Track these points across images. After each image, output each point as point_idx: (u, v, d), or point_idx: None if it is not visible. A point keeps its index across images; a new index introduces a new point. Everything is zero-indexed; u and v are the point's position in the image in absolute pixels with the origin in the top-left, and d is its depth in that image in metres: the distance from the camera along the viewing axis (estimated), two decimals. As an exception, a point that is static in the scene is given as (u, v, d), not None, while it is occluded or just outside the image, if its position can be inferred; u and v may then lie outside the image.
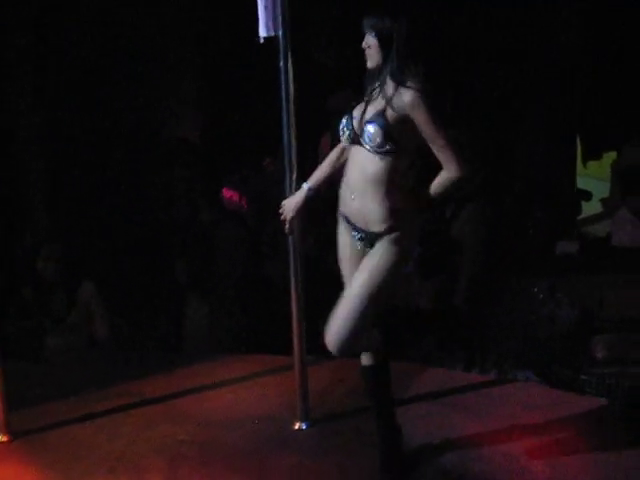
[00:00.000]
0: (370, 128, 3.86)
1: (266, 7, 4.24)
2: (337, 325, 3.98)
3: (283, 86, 4.30)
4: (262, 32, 4.27)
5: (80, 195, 7.29)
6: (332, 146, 6.43)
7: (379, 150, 3.85)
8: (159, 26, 7.64)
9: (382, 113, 3.85)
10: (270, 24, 4.22)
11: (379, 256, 3.95)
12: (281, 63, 4.28)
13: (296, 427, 4.64)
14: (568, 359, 5.57)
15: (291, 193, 4.33)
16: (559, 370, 5.46)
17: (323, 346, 4.10)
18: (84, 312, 6.22)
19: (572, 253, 6.78)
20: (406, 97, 3.80)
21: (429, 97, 3.80)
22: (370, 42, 3.89)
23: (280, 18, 4.23)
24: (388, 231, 3.92)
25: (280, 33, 4.25)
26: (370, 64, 3.94)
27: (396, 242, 3.93)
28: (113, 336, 6.32)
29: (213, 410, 4.92)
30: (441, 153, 3.83)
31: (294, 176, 4.37)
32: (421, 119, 3.80)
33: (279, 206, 4.28)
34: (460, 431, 4.55)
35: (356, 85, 6.79)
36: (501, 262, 6.31)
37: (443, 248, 6.23)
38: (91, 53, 7.42)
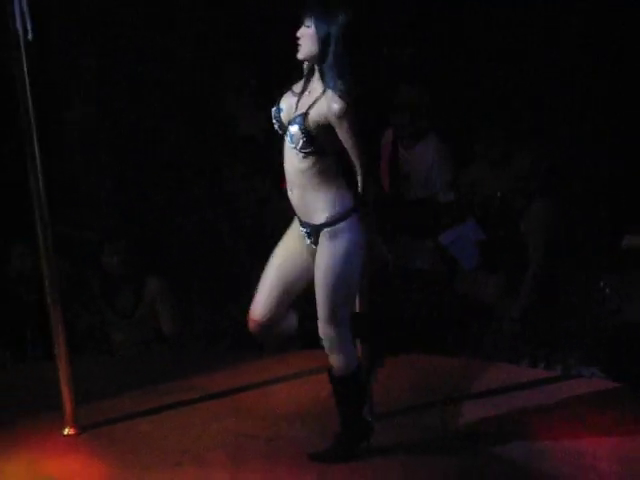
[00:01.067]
0: (292, 129, 3.87)
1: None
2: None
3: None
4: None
5: (145, 191, 7.36)
6: (394, 141, 6.53)
7: (301, 151, 3.87)
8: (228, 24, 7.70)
9: (305, 115, 3.85)
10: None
11: (327, 255, 3.96)
12: None
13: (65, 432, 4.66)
14: (634, 355, 5.51)
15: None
16: (625, 366, 5.40)
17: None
18: (150, 308, 6.28)
19: (638, 247, 6.69)
20: (334, 105, 3.79)
21: (355, 108, 3.79)
22: (304, 32, 3.84)
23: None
24: (330, 221, 3.93)
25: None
26: (300, 55, 3.89)
27: (340, 234, 3.94)
28: (179, 331, 6.37)
29: (277, 405, 4.93)
30: (356, 161, 3.87)
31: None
32: (344, 129, 3.81)
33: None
34: (525, 427, 4.52)
35: (424, 79, 6.80)
36: (568, 257, 6.25)
37: (510, 242, 6.19)
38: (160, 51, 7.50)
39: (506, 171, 6.46)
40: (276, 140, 4.08)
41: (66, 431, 4.71)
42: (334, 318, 4.06)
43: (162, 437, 4.45)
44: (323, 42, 3.81)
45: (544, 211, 6.18)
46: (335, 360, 4.16)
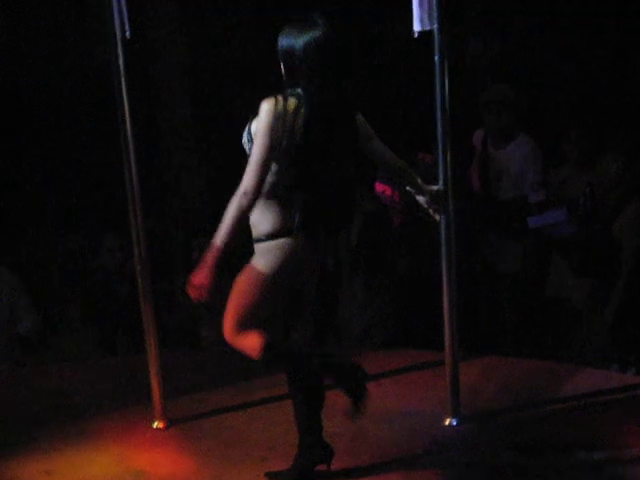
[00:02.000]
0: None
1: (421, 2, 4.23)
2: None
3: (438, 80, 4.28)
4: (417, 26, 4.25)
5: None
6: (484, 141, 6.48)
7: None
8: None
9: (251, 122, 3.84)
10: (425, 18, 4.20)
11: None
12: (436, 57, 4.25)
13: (446, 423, 4.60)
14: None
15: (446, 188, 4.33)
16: None
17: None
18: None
19: None
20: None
21: (271, 112, 3.71)
22: None
23: (435, 12, 4.21)
24: (254, 239, 3.87)
25: (435, 27, 4.23)
26: None
27: (255, 256, 3.87)
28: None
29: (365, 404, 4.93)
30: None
31: (449, 171, 4.35)
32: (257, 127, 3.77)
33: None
34: (615, 433, 4.44)
35: (509, 79, 6.74)
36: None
37: (602, 246, 6.08)
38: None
39: (596, 172, 6.36)
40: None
41: (155, 424, 4.79)
42: (232, 321, 3.98)
43: (249, 432, 4.47)
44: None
45: (636, 215, 6.06)
46: (245, 350, 4.03)
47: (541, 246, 6.29)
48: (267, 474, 4.24)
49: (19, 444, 4.73)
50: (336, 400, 4.90)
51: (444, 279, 4.48)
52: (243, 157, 3.81)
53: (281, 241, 3.84)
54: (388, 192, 6.30)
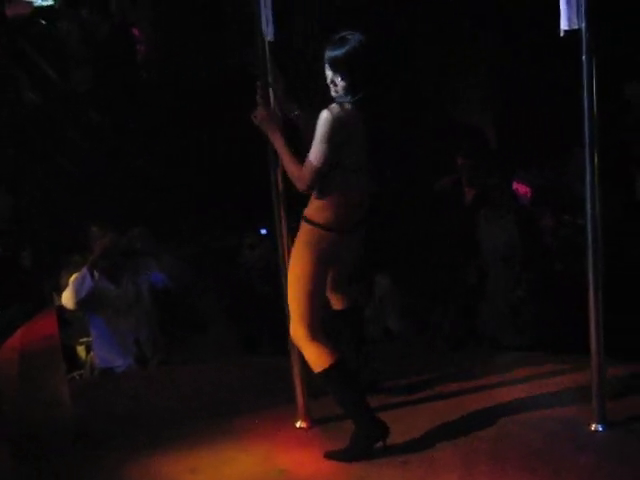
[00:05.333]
0: None
1: (568, 0, 4.16)
2: None
3: (585, 79, 4.19)
4: (564, 25, 4.18)
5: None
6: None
7: None
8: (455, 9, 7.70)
9: None
10: (573, 17, 4.13)
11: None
12: (584, 56, 4.18)
13: (592, 429, 4.52)
14: None
15: (592, 190, 4.26)
16: None
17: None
18: (379, 304, 6.32)
19: None
20: None
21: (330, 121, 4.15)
22: None
23: (583, 11, 4.13)
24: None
25: (583, 26, 4.15)
26: None
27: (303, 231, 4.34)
28: (405, 329, 6.39)
29: (505, 406, 4.88)
30: None
31: (596, 171, 4.26)
32: None
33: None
34: None
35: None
36: None
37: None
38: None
39: None
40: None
41: (298, 424, 4.84)
42: (297, 316, 4.39)
43: (392, 435, 4.44)
44: None
45: None
46: (307, 358, 4.46)
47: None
48: (327, 453, 4.47)
49: (165, 441, 4.85)
50: (476, 403, 4.92)
51: (590, 282, 4.40)
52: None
53: (329, 234, 4.29)
54: (530, 194, 6.26)
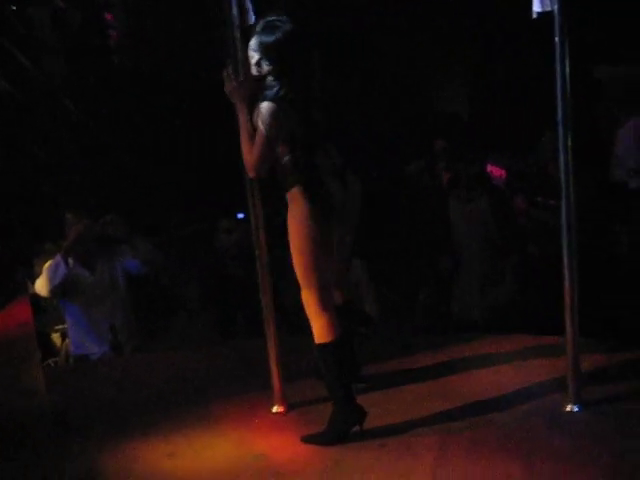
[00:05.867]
0: None
1: (541, -18, 4.16)
2: None
3: (558, 61, 4.19)
4: (536, 7, 4.19)
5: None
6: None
7: None
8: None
9: None
10: (546, 0, 4.13)
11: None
12: (556, 39, 4.18)
13: (567, 409, 4.53)
14: None
15: (567, 171, 4.27)
16: None
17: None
18: (354, 290, 6.31)
19: None
20: None
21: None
22: None
23: (555, -6, 4.13)
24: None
25: (556, 8, 4.15)
26: None
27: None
28: (382, 315, 6.39)
29: (482, 389, 4.89)
30: None
31: (569, 153, 4.27)
32: None
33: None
34: None
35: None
36: None
37: None
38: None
39: None
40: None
41: (275, 409, 4.84)
42: (305, 282, 4.41)
43: (368, 417, 4.46)
44: None
45: None
46: (313, 326, 4.47)
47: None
48: (304, 437, 4.49)
49: (142, 427, 4.84)
50: (456, 386, 4.94)
51: (565, 264, 4.41)
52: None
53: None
54: (504, 176, 6.27)
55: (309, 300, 4.45)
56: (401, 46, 8.05)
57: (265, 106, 4.25)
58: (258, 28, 4.31)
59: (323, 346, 4.43)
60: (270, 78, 4.32)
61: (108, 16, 9.57)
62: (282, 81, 4.28)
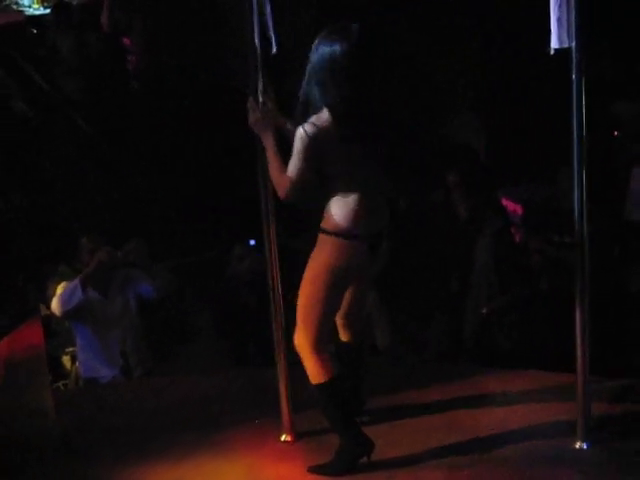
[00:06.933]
0: None
1: (559, 19, 4.17)
2: None
3: (575, 98, 4.21)
4: (554, 43, 4.19)
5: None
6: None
7: None
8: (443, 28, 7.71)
9: None
10: (564, 35, 4.15)
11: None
12: (574, 75, 4.19)
13: (576, 446, 4.52)
14: None
15: (581, 208, 4.27)
16: None
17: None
18: (366, 320, 6.29)
19: None
20: None
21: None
22: None
23: (574, 30, 4.15)
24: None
25: (573, 45, 4.17)
26: None
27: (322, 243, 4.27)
28: (394, 344, 6.38)
29: (490, 423, 4.87)
30: None
31: (584, 189, 4.28)
32: None
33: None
34: None
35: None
36: None
37: None
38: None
39: None
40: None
41: (283, 437, 4.83)
42: (305, 318, 4.35)
43: (376, 449, 4.45)
44: None
45: None
46: (306, 367, 4.42)
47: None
48: (311, 468, 4.47)
49: (149, 453, 4.83)
50: (464, 419, 4.92)
51: (577, 300, 4.40)
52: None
53: (346, 241, 4.22)
54: (519, 211, 6.26)
55: (302, 341, 4.40)
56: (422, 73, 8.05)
57: (307, 130, 4.11)
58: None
59: (320, 386, 4.40)
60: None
61: (127, 41, 9.64)
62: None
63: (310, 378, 4.43)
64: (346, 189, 4.19)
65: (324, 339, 4.40)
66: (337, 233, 4.21)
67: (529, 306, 6.30)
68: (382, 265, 4.59)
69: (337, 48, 3.99)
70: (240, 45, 4.46)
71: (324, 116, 4.08)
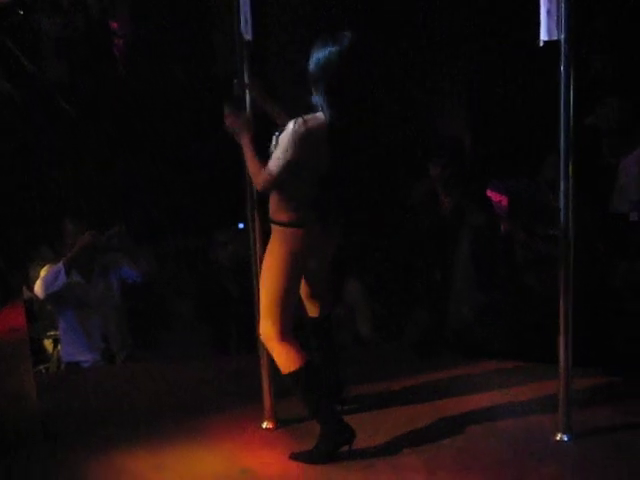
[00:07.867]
0: None
1: (549, 11, 4.16)
2: None
3: (563, 91, 4.20)
4: (543, 36, 4.19)
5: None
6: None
7: None
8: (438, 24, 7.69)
9: None
10: (553, 28, 4.14)
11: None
12: (562, 68, 4.19)
13: (557, 438, 4.53)
14: None
15: (567, 201, 4.27)
16: None
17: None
18: (349, 311, 6.31)
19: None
20: None
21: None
22: None
23: (563, 22, 4.14)
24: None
25: (562, 37, 4.16)
26: None
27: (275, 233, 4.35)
28: (376, 334, 6.38)
29: (472, 413, 4.90)
30: None
31: (570, 183, 4.28)
32: None
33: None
34: None
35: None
36: None
37: None
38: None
39: None
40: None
41: (265, 424, 4.83)
42: (269, 311, 4.38)
43: (357, 438, 4.46)
44: None
45: None
46: (275, 359, 4.45)
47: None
48: (293, 455, 4.49)
49: (131, 438, 4.82)
50: (447, 410, 4.93)
51: (561, 294, 4.41)
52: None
53: (297, 230, 4.28)
54: (504, 202, 6.25)
55: (267, 332, 4.42)
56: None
57: (297, 126, 4.15)
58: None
59: (292, 374, 4.40)
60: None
61: (114, 24, 9.57)
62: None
63: (281, 369, 4.43)
64: (301, 186, 4.24)
65: (289, 326, 4.41)
66: (287, 223, 4.29)
67: (512, 301, 6.31)
68: (337, 243, 4.57)
69: (332, 50, 4.06)
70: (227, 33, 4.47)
71: (320, 117, 4.14)
